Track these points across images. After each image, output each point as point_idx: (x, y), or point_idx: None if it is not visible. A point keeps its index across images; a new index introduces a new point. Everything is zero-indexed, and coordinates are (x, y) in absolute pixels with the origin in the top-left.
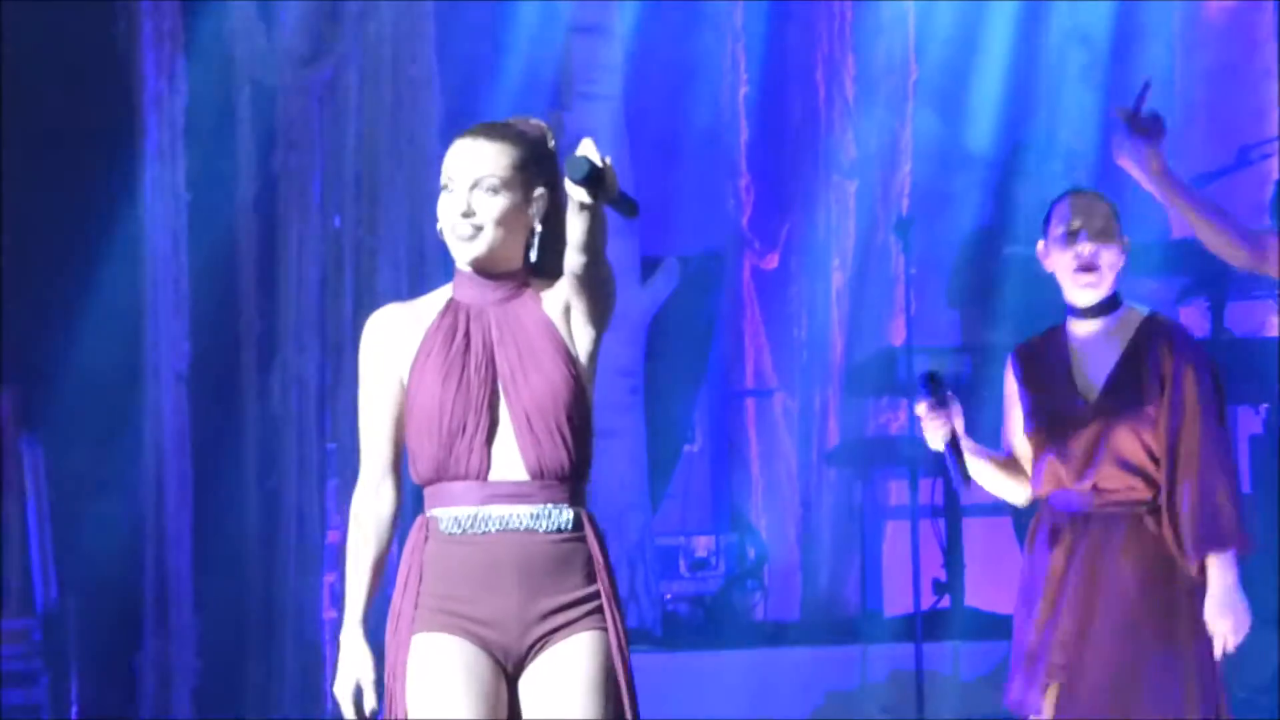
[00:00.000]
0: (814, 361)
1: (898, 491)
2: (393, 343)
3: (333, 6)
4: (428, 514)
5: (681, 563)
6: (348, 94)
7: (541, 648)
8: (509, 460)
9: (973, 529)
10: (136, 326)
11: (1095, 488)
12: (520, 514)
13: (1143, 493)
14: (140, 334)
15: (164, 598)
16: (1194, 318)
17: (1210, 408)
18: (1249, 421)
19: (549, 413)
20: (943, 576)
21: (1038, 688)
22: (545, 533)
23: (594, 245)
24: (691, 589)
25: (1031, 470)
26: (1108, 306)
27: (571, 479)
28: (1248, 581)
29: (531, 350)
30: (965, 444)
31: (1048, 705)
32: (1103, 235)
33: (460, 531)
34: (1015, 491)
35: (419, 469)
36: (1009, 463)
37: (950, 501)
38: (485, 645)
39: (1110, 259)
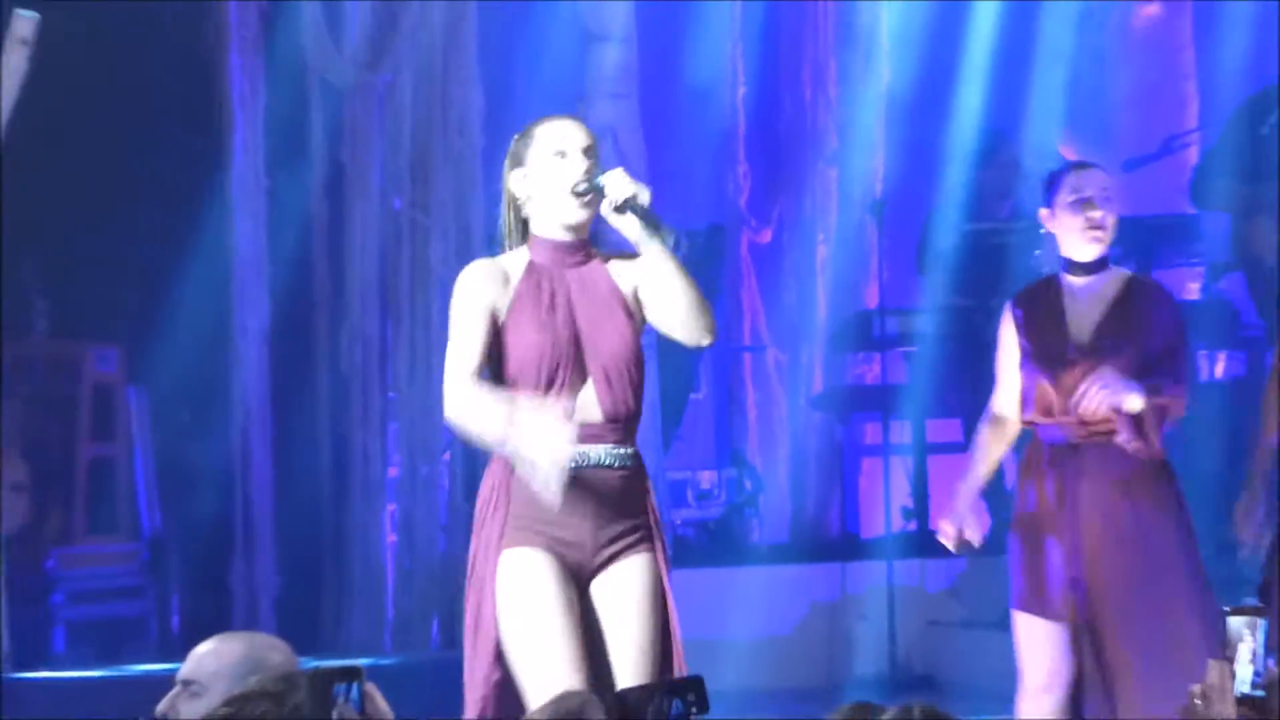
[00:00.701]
0: (801, 321)
1: (872, 432)
2: (490, 285)
3: (391, 20)
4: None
5: (689, 494)
6: (404, 94)
7: (606, 565)
8: (588, 404)
9: (937, 464)
10: (226, 293)
11: (1081, 420)
12: (598, 451)
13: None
14: (229, 300)
15: (250, 525)
16: None
17: (1183, 348)
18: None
19: (620, 366)
20: (910, 504)
21: (1050, 594)
22: (615, 468)
23: (690, 296)
24: (698, 516)
25: (1022, 399)
26: (1100, 265)
27: (632, 422)
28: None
29: (606, 311)
30: (968, 500)
31: (1064, 609)
32: (1108, 203)
33: None
34: (1006, 439)
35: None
36: (992, 432)
37: (918, 441)
38: (565, 561)
39: (1113, 222)
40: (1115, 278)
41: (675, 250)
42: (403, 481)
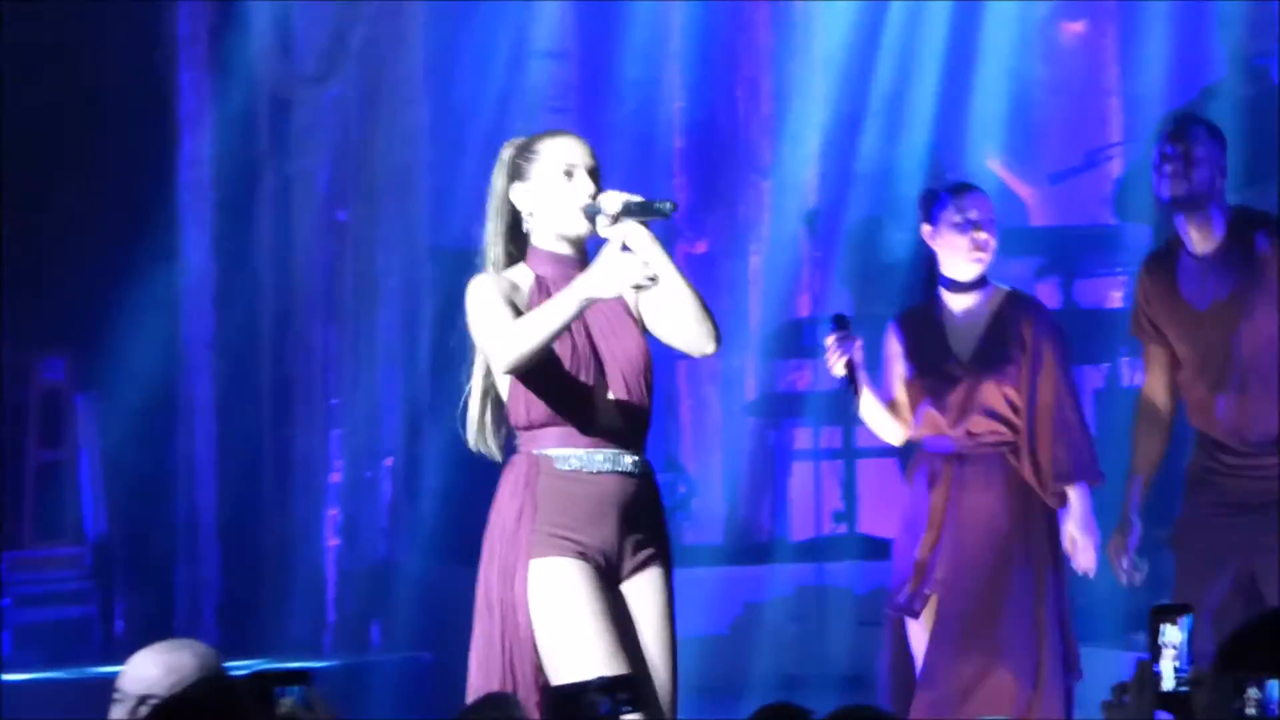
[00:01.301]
0: (735, 329)
1: (803, 437)
2: (507, 290)
3: (339, 34)
4: (535, 453)
5: None
6: (350, 107)
7: (632, 573)
8: (609, 414)
9: (865, 468)
10: (173, 302)
11: (967, 432)
12: (622, 458)
13: (1006, 436)
14: (176, 309)
15: (194, 529)
16: (1048, 293)
17: (1062, 366)
18: (1094, 378)
19: (637, 373)
20: (840, 507)
21: (921, 597)
22: (637, 475)
23: (694, 302)
24: None
25: (911, 417)
26: (980, 283)
27: (646, 431)
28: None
29: (618, 320)
30: (862, 375)
31: (927, 614)
32: (991, 225)
33: (576, 469)
34: (894, 431)
35: (532, 415)
36: (891, 405)
37: (847, 445)
38: (597, 565)
39: (994, 244)
40: (994, 294)
41: (673, 212)
42: (345, 486)
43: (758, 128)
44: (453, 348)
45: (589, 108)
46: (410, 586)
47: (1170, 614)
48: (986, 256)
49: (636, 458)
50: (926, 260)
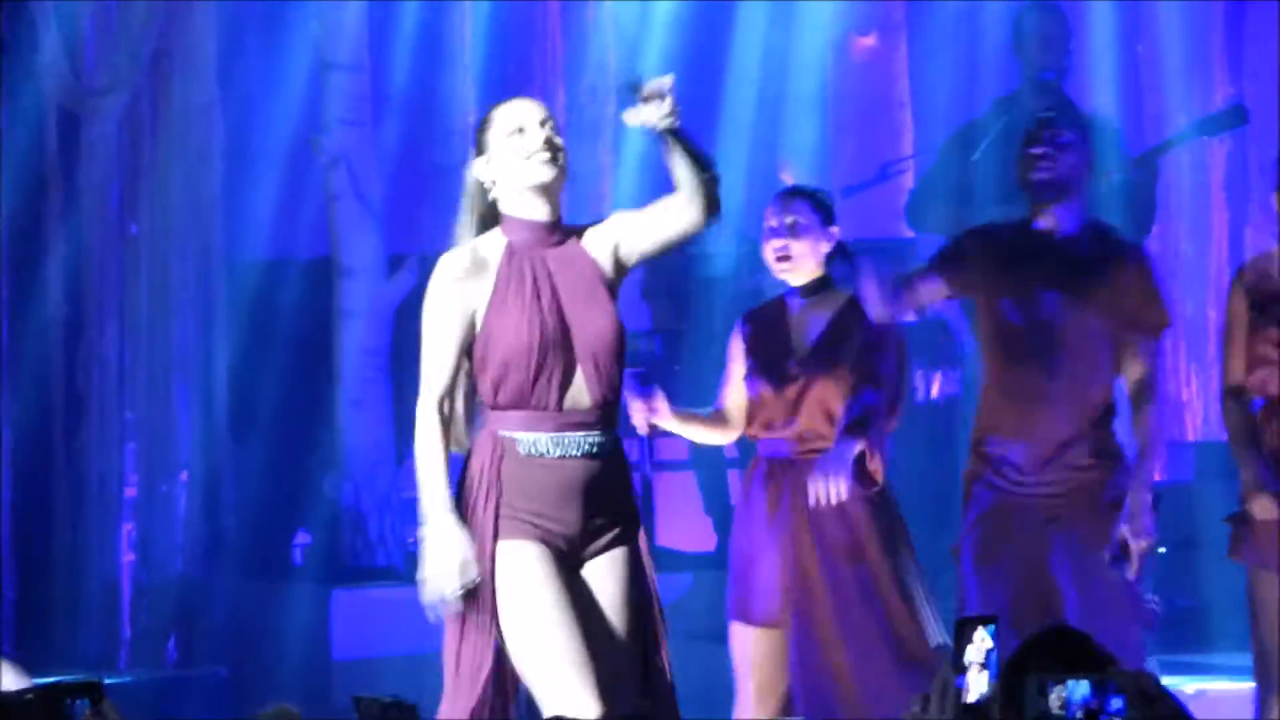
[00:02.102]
0: None
1: None
2: (464, 285)
3: (130, 46)
4: (500, 434)
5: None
6: (142, 120)
7: (593, 555)
8: (578, 392)
9: (663, 480)
10: None
11: (799, 435)
12: (588, 440)
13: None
14: None
15: None
16: None
17: (892, 374)
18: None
19: (609, 350)
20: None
21: (763, 604)
22: (604, 457)
23: (701, 169)
24: None
25: (746, 412)
26: (818, 286)
27: (616, 407)
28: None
29: (590, 294)
30: (676, 416)
31: (777, 618)
32: (793, 230)
33: (539, 454)
34: (724, 437)
35: (499, 397)
36: (714, 416)
37: (645, 457)
38: (558, 550)
39: (800, 249)
40: (836, 297)
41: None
42: (140, 501)
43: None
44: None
45: (384, 120)
46: (206, 601)
47: (975, 624)
48: (790, 265)
49: (603, 438)
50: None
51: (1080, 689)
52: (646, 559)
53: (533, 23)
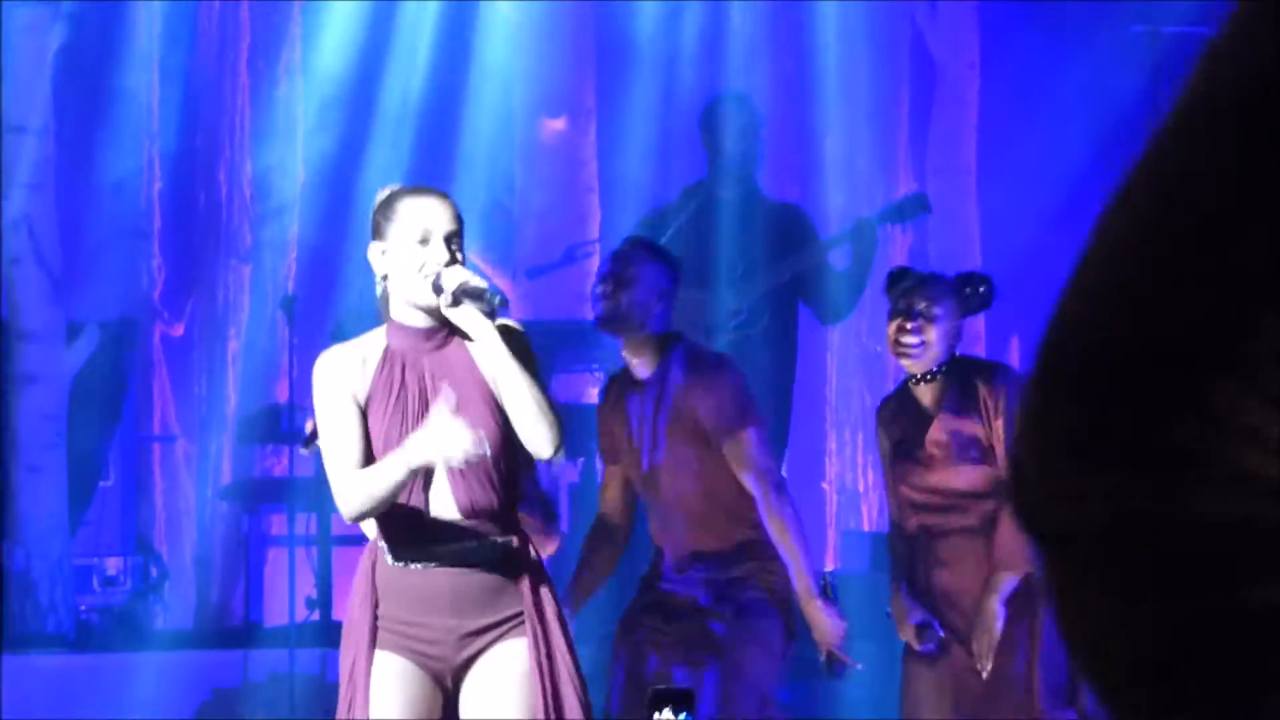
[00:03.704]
0: (211, 413)
1: (278, 523)
2: (347, 378)
3: None
4: (375, 540)
5: (95, 579)
6: None
7: (472, 661)
8: (444, 501)
9: (341, 555)
10: None
11: None
12: (456, 549)
13: None
14: None
15: None
16: None
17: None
18: (570, 472)
19: (479, 459)
20: (314, 594)
21: None
22: (479, 560)
23: (529, 400)
24: (103, 601)
25: None
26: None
27: (501, 513)
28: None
29: (463, 398)
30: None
31: None
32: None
33: (402, 564)
34: None
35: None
36: None
37: (323, 532)
38: (427, 662)
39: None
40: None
41: (503, 309)
42: None
43: (239, 211)
44: None
45: (67, 184)
46: None
47: (669, 699)
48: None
49: (478, 545)
50: None
51: None
52: (542, 654)
53: (221, 96)
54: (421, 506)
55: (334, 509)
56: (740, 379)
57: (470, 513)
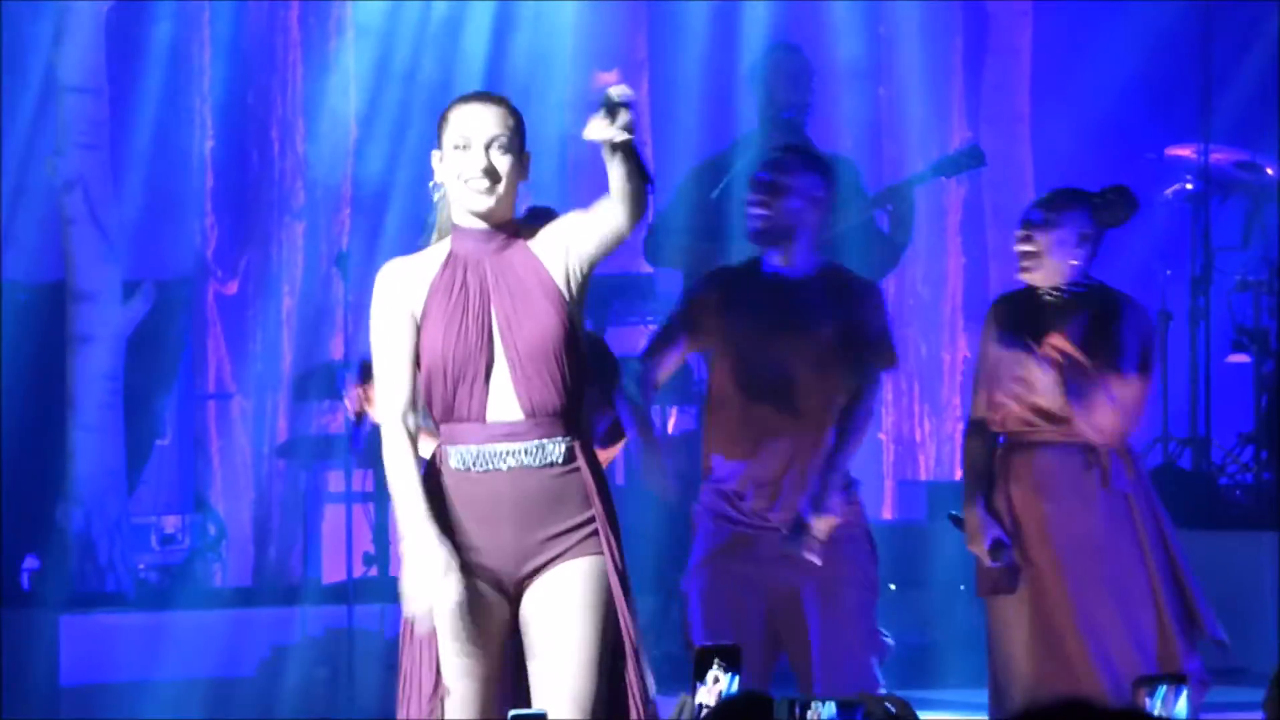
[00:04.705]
0: (267, 371)
1: (335, 480)
2: (403, 292)
3: None
4: (438, 448)
5: (153, 538)
6: None
7: (539, 573)
8: (506, 401)
9: None
10: None
11: None
12: (516, 451)
13: None
14: None
15: None
16: None
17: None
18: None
19: (541, 355)
20: (372, 550)
21: None
22: (539, 468)
23: (639, 178)
24: (161, 560)
25: None
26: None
27: (565, 414)
28: None
29: (525, 295)
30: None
31: None
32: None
33: (464, 468)
34: None
35: (434, 409)
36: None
37: (379, 489)
38: (486, 575)
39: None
40: None
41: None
42: None
43: (291, 168)
44: None
45: (121, 144)
46: None
47: (716, 655)
48: None
49: (542, 447)
50: None
51: (827, 710)
52: (612, 576)
53: (273, 53)
54: (483, 406)
55: None
56: (884, 307)
57: (531, 412)
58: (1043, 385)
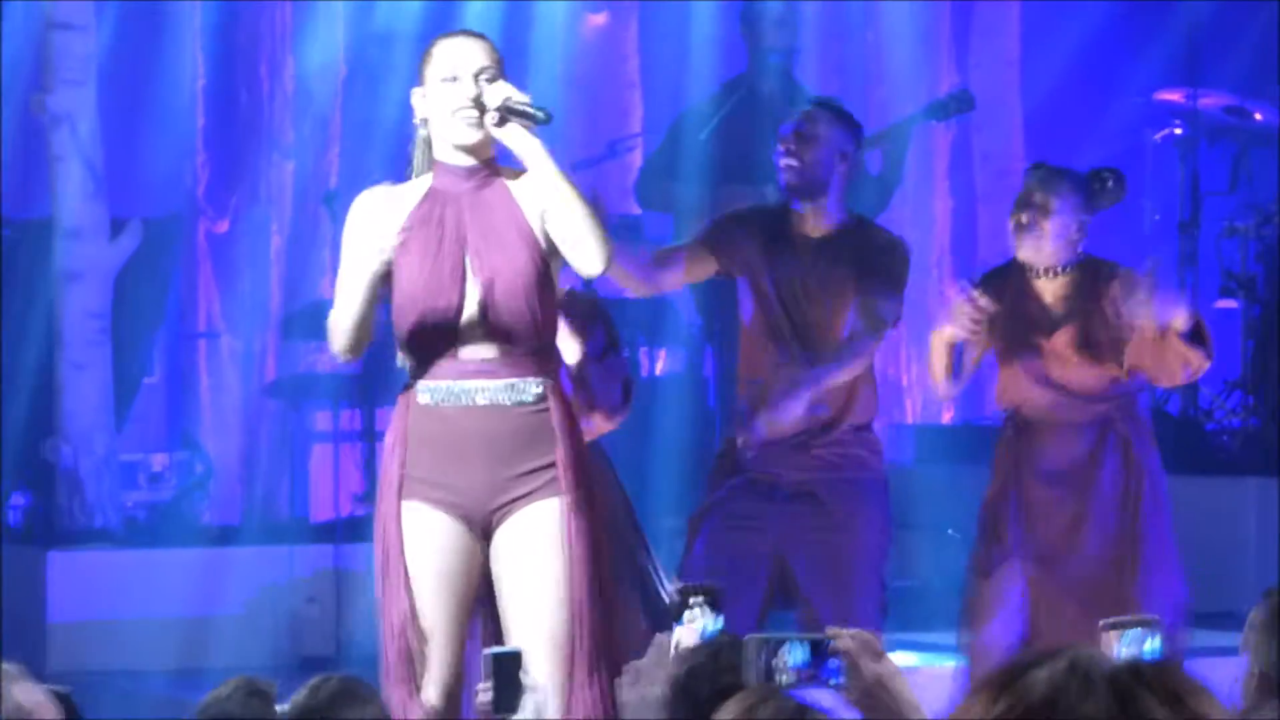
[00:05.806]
0: (255, 310)
1: (323, 419)
2: (376, 219)
3: None
4: (409, 385)
5: (140, 476)
6: None
7: (507, 513)
8: (477, 337)
9: None
10: None
11: None
12: (487, 388)
13: None
14: None
15: None
16: (571, 281)
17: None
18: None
19: (513, 292)
20: (360, 490)
21: None
22: (511, 406)
23: (579, 216)
24: (149, 498)
25: None
26: None
27: (537, 353)
28: None
29: (497, 233)
30: None
31: None
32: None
33: (434, 404)
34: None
35: (403, 345)
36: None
37: (367, 428)
38: (456, 511)
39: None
40: None
41: (546, 125)
42: None
43: (280, 107)
44: None
45: (109, 82)
46: None
47: (696, 593)
48: None
49: (514, 385)
50: None
51: (798, 652)
52: (573, 521)
53: None
54: (455, 341)
55: (379, 404)
56: (905, 266)
57: (504, 350)
58: (1057, 375)
